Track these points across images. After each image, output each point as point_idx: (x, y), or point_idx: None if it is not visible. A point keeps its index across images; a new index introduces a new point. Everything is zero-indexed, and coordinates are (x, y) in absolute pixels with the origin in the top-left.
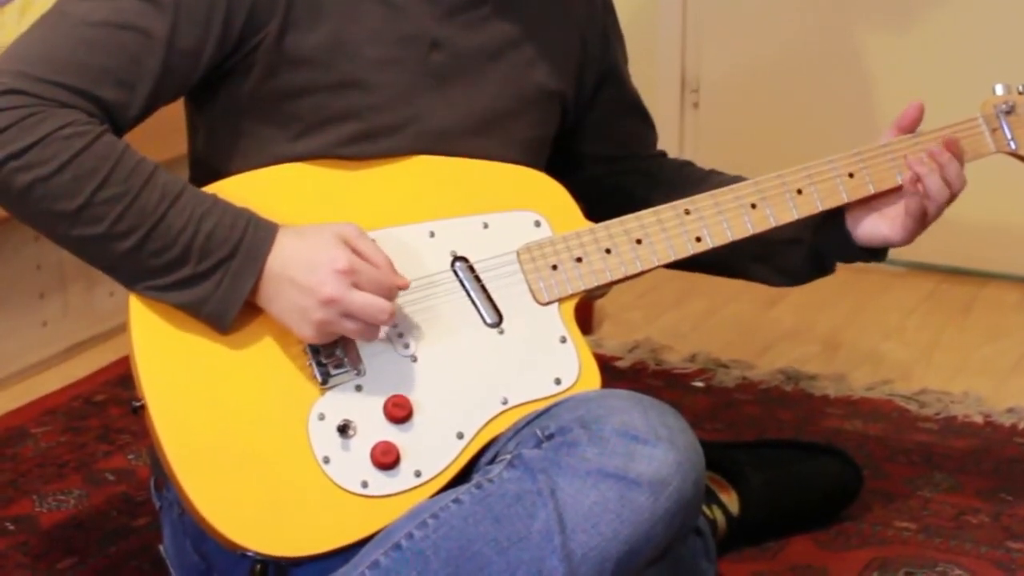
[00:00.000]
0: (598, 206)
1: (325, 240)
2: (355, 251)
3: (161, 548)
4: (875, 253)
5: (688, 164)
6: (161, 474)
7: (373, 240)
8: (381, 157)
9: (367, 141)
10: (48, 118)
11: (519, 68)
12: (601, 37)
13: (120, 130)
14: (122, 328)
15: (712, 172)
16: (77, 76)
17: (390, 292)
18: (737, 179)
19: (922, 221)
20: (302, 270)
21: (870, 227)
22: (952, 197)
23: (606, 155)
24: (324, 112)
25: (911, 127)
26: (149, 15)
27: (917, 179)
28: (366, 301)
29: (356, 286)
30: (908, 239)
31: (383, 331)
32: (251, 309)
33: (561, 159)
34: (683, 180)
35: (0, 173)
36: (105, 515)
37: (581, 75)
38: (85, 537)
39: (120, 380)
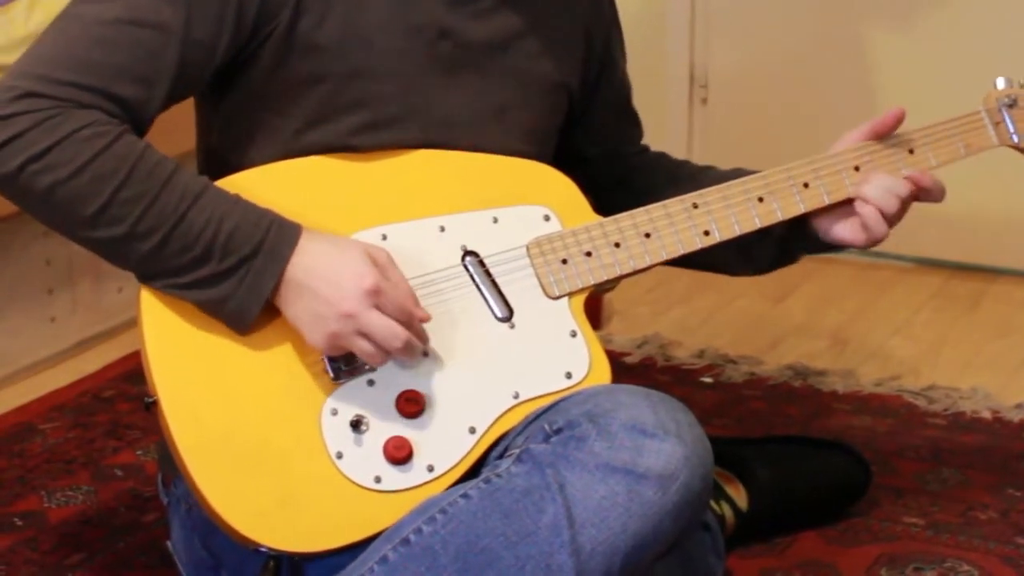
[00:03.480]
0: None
1: (355, 256)
2: (383, 276)
3: (169, 544)
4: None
5: (663, 155)
6: (169, 470)
7: (402, 274)
8: (391, 148)
9: (376, 130)
10: (67, 120)
11: (526, 59)
12: (605, 32)
13: (141, 128)
14: (130, 324)
15: (684, 163)
16: (94, 75)
17: (410, 322)
18: (707, 169)
19: (877, 232)
20: (325, 280)
21: (840, 232)
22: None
23: (597, 152)
24: (335, 101)
25: (886, 133)
26: (162, 10)
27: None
28: (384, 324)
29: (378, 308)
30: (867, 244)
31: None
32: (265, 306)
33: (558, 154)
34: (661, 173)
35: (21, 176)
36: (113, 511)
37: (585, 68)
38: (93, 533)
39: (128, 376)
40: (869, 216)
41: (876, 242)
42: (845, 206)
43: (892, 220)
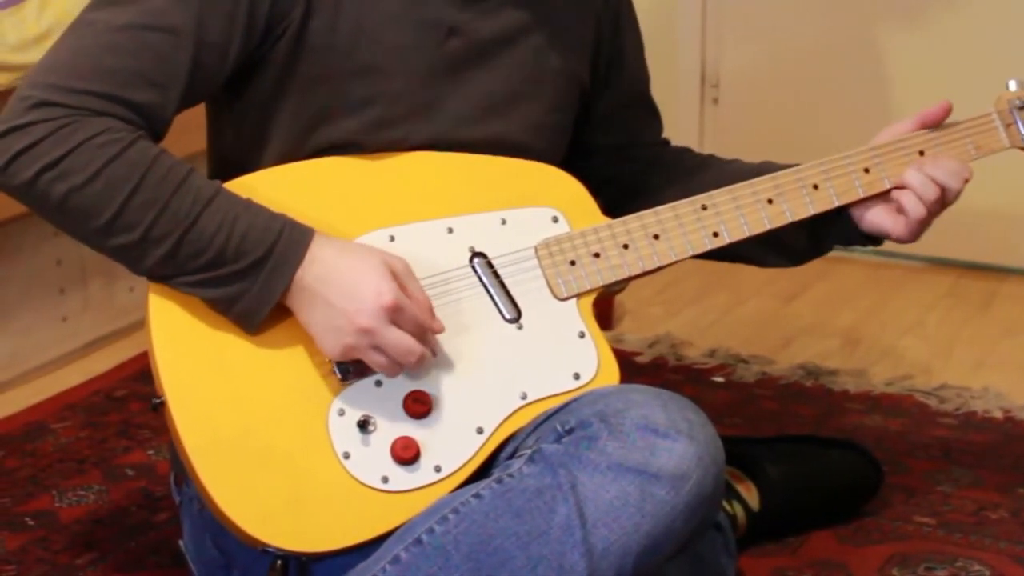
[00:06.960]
0: (599, 195)
1: (373, 268)
2: (402, 288)
3: (181, 543)
4: (874, 238)
5: (686, 150)
6: (181, 470)
7: (419, 284)
8: (400, 145)
9: (387, 127)
10: (81, 127)
11: (535, 52)
12: (612, 22)
13: (158, 132)
14: (142, 323)
15: (711, 157)
16: (108, 82)
17: (425, 335)
18: (734, 163)
19: (923, 222)
20: (341, 292)
21: (874, 218)
22: (946, 198)
23: (610, 144)
24: (344, 99)
25: (934, 124)
26: (173, 14)
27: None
28: (400, 340)
29: (394, 323)
30: (910, 237)
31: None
32: (274, 306)
33: (569, 147)
34: (682, 166)
35: (37, 184)
36: (125, 510)
37: (596, 60)
38: (104, 532)
39: (140, 375)
40: (908, 201)
41: (915, 232)
42: (885, 196)
43: (931, 207)
